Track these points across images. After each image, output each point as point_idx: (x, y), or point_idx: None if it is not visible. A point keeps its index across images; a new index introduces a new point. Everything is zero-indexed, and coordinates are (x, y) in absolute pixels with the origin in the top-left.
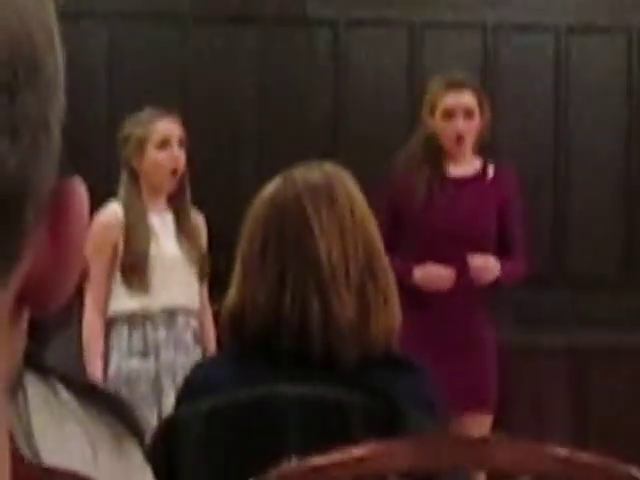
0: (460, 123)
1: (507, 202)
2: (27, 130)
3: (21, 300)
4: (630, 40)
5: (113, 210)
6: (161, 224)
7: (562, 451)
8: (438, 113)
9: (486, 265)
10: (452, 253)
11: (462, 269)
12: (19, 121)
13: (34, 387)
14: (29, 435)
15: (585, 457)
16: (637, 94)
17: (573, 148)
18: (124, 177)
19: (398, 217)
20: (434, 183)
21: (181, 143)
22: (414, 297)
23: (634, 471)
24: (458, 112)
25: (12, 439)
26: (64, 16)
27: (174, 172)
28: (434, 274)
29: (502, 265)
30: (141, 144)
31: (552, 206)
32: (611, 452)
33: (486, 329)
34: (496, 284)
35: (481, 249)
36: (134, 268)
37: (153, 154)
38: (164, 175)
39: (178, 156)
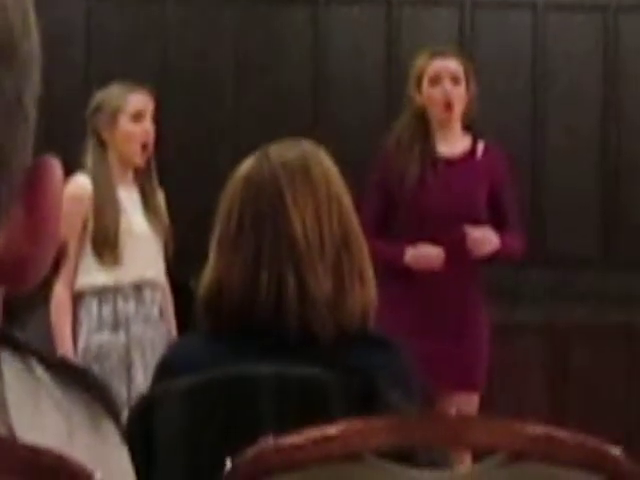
0: (448, 87)
1: (498, 180)
2: (2, 108)
3: None
4: (606, 16)
5: (81, 182)
6: (128, 198)
7: (538, 429)
8: (425, 82)
9: (484, 236)
10: (444, 233)
11: (454, 249)
12: None
13: (9, 364)
14: (4, 412)
15: (561, 434)
16: (613, 73)
17: (550, 127)
18: (92, 148)
19: (389, 199)
20: (425, 164)
21: (153, 118)
22: (407, 277)
23: (610, 448)
24: (445, 77)
25: None
26: None
27: (144, 146)
28: (425, 254)
29: (501, 237)
30: (114, 115)
31: (530, 185)
32: (590, 430)
33: (479, 309)
34: (496, 257)
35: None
36: (105, 242)
37: (126, 126)
38: (135, 148)
39: (150, 130)
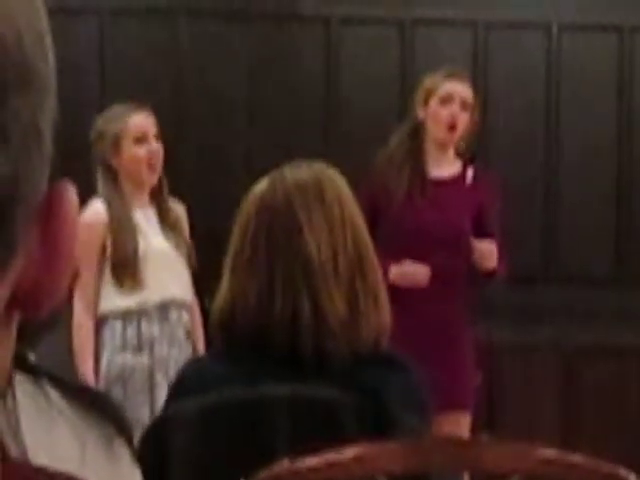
0: (457, 109)
1: (486, 206)
2: (18, 135)
3: (12, 303)
4: (621, 37)
5: (96, 209)
6: (146, 219)
7: (550, 452)
8: (435, 99)
9: (491, 250)
10: (428, 254)
11: (438, 270)
12: (10, 126)
13: (23, 387)
14: (17, 434)
15: (573, 457)
16: (628, 93)
17: (564, 147)
18: (101, 175)
19: (375, 217)
20: (414, 184)
21: (157, 137)
22: (391, 297)
23: (621, 471)
24: (456, 99)
25: (0, 438)
26: (55, 12)
27: (152, 167)
28: (409, 271)
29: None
30: (117, 141)
31: (543, 205)
32: (603, 452)
33: (464, 329)
34: (489, 276)
35: (457, 251)
36: (125, 266)
37: (131, 150)
38: (142, 170)
39: (156, 150)
